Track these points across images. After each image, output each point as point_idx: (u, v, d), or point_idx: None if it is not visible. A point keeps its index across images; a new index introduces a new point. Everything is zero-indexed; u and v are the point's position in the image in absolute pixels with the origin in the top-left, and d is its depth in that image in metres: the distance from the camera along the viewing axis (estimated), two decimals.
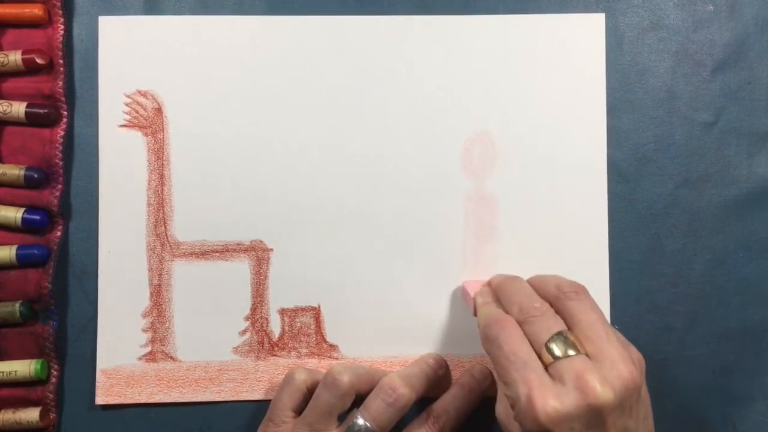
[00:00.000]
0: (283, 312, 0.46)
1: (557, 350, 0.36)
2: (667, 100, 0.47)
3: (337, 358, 0.46)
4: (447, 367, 0.46)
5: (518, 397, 0.35)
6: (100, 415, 0.45)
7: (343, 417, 0.42)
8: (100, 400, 0.45)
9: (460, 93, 0.46)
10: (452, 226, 0.46)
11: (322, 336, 0.46)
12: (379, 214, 0.46)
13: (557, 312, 0.38)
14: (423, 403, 0.44)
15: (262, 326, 0.46)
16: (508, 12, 0.47)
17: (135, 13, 0.46)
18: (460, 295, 0.46)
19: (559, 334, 0.36)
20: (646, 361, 0.46)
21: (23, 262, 0.44)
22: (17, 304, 0.44)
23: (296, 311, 0.46)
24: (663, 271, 0.47)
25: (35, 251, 0.44)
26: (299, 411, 0.43)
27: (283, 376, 0.44)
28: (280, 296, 0.46)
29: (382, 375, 0.43)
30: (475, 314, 0.42)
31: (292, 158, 0.46)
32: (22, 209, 0.44)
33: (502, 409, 0.38)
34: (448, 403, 0.44)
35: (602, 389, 0.34)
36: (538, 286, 0.40)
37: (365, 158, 0.46)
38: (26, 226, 0.44)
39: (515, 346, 0.36)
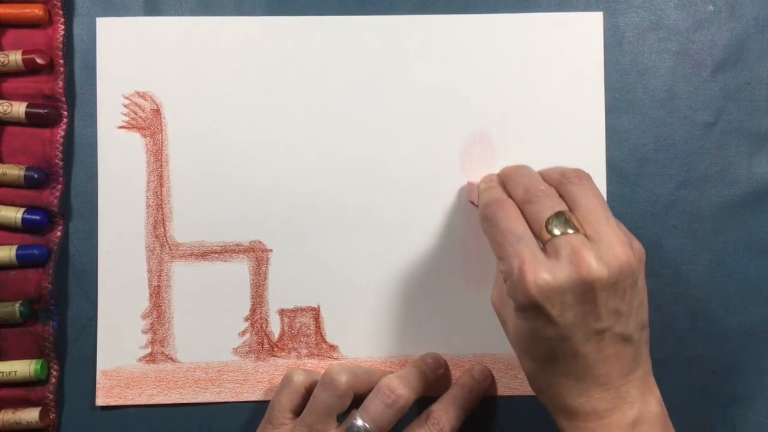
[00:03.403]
0: (282, 313, 0.46)
1: (556, 229, 0.36)
2: (667, 100, 0.47)
3: (336, 359, 0.46)
4: (446, 366, 0.46)
5: (511, 271, 0.36)
6: (100, 416, 0.45)
7: (342, 418, 0.42)
8: (100, 401, 0.45)
9: (459, 93, 0.46)
10: (452, 226, 0.46)
11: (322, 336, 0.46)
12: (378, 214, 0.46)
13: (561, 196, 0.38)
14: (422, 403, 0.44)
15: (261, 327, 0.46)
16: (508, 11, 0.47)
17: (135, 14, 0.46)
18: (465, 196, 0.46)
19: (560, 213, 0.36)
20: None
21: (23, 262, 0.44)
22: (17, 304, 0.44)
23: (296, 312, 0.46)
24: (663, 271, 0.47)
25: (35, 251, 0.44)
26: (298, 412, 0.43)
27: (282, 377, 0.44)
28: (279, 297, 0.46)
29: (380, 375, 0.43)
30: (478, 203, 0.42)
31: (291, 159, 0.46)
32: (22, 209, 0.44)
33: (496, 293, 0.39)
34: (447, 403, 0.44)
35: (597, 265, 0.35)
36: (544, 174, 0.40)
37: (365, 158, 0.46)
38: (26, 226, 0.44)
39: (511, 222, 0.37)
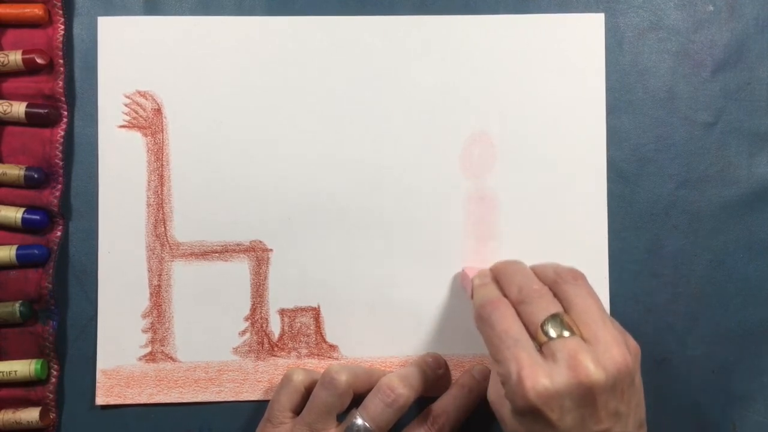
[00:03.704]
0: (282, 312, 0.46)
1: (552, 331, 0.36)
2: (667, 100, 0.47)
3: (336, 359, 0.46)
4: (446, 366, 0.46)
5: (509, 375, 0.35)
6: (100, 415, 0.45)
7: (341, 417, 0.42)
8: (100, 400, 0.45)
9: (459, 93, 0.46)
10: (452, 226, 0.46)
11: (322, 336, 0.46)
12: (378, 214, 0.46)
13: (555, 296, 0.38)
14: (422, 402, 0.44)
15: (261, 327, 0.46)
16: (508, 12, 0.47)
17: (135, 13, 0.46)
18: (459, 282, 0.46)
19: (555, 315, 0.37)
20: (646, 361, 0.46)
21: (23, 262, 0.44)
22: (17, 304, 0.44)
23: (296, 311, 0.46)
24: (663, 272, 0.47)
25: (35, 251, 0.44)
26: (297, 411, 0.43)
27: (282, 376, 0.44)
28: (279, 296, 0.46)
29: (380, 375, 0.43)
30: (472, 297, 0.42)
31: (291, 158, 0.46)
32: (22, 209, 0.44)
33: (493, 390, 0.39)
34: (447, 403, 0.44)
35: (595, 369, 0.35)
36: (537, 271, 0.40)
37: (365, 158, 0.46)
38: (26, 226, 0.44)
39: (507, 324, 0.37)
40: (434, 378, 0.44)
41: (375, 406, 0.41)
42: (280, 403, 0.42)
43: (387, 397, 0.41)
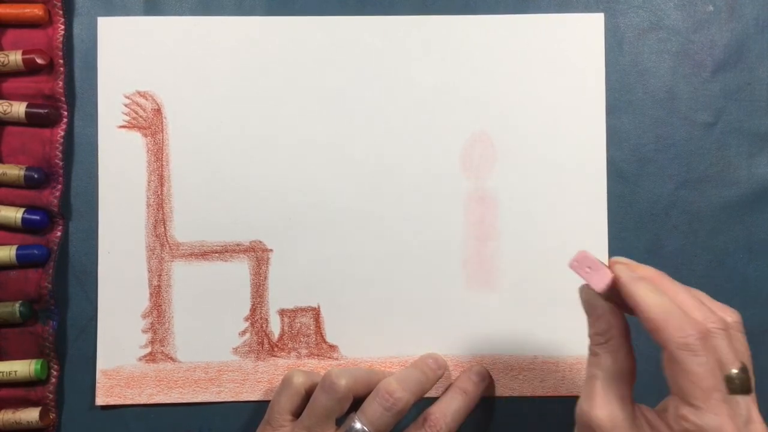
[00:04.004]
0: (282, 312, 0.46)
1: (741, 386, 0.32)
2: (667, 100, 0.47)
3: (336, 359, 0.46)
4: (447, 368, 0.46)
5: (705, 427, 0.31)
6: (100, 416, 0.45)
7: (341, 420, 0.42)
8: (100, 401, 0.45)
9: (460, 93, 0.46)
10: (452, 226, 0.46)
11: (322, 336, 0.46)
12: (379, 214, 0.46)
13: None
14: (422, 403, 0.44)
15: (261, 327, 0.46)
16: (508, 12, 0.47)
17: (135, 13, 0.46)
18: (574, 265, 0.37)
19: (745, 368, 0.33)
20: (646, 362, 0.46)
21: (23, 262, 0.44)
22: (17, 304, 0.44)
23: (296, 312, 0.46)
24: (663, 272, 0.47)
25: (35, 251, 0.44)
26: (297, 414, 0.42)
27: (282, 377, 0.44)
28: (279, 297, 0.46)
29: (380, 377, 0.43)
30: (605, 289, 0.36)
31: (291, 159, 0.46)
32: (22, 209, 0.44)
33: (608, 412, 0.34)
34: (444, 406, 0.44)
35: None
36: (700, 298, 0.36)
37: (365, 158, 0.46)
38: (26, 226, 0.44)
39: (713, 366, 0.32)
40: (434, 380, 0.44)
41: (374, 410, 0.41)
42: (279, 405, 0.42)
43: (386, 401, 0.41)
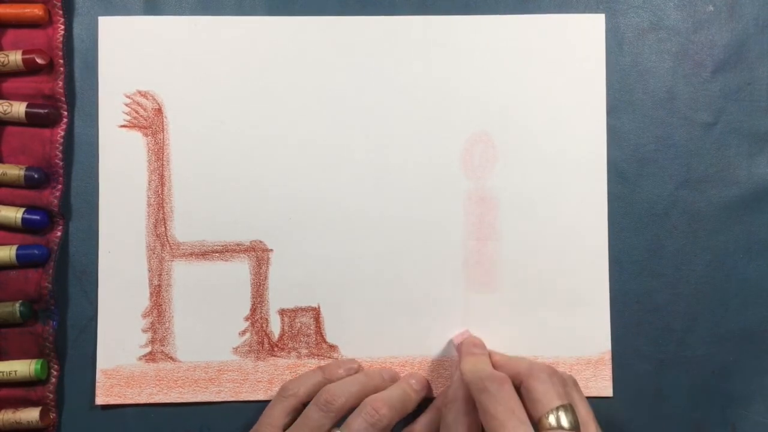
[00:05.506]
0: (282, 312, 0.46)
1: (565, 421, 0.37)
2: (667, 100, 0.47)
3: (336, 359, 0.46)
4: (429, 387, 0.46)
5: None
6: (100, 415, 0.45)
7: None
8: (100, 400, 0.45)
9: (460, 93, 0.46)
10: (452, 226, 0.46)
11: (322, 336, 0.46)
12: (379, 214, 0.46)
13: None
14: (422, 406, 0.44)
15: (261, 327, 0.46)
16: (508, 12, 0.47)
17: (135, 13, 0.46)
18: (454, 348, 0.46)
19: (568, 407, 0.38)
20: (646, 362, 0.47)
21: (23, 262, 0.44)
22: (17, 304, 0.44)
23: (296, 311, 0.46)
24: (663, 272, 0.47)
25: (35, 251, 0.44)
26: (287, 427, 0.42)
27: (282, 377, 0.44)
28: (279, 296, 0.46)
29: (372, 390, 0.43)
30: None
31: (291, 158, 0.46)
32: (22, 209, 0.44)
33: None
34: (423, 425, 0.44)
35: None
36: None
37: (365, 158, 0.46)
38: (26, 226, 0.44)
39: (515, 404, 0.38)
40: (417, 400, 0.45)
41: (358, 425, 0.41)
42: (272, 417, 0.42)
43: (371, 417, 0.41)
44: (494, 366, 0.42)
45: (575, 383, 0.41)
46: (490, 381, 0.39)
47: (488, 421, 0.38)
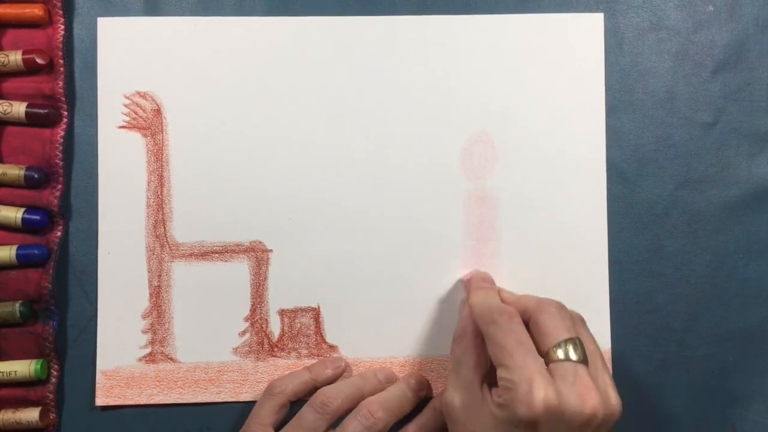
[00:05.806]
0: (282, 313, 0.46)
1: (573, 353, 0.37)
2: (667, 100, 0.47)
3: (323, 358, 0.46)
4: (429, 387, 0.46)
5: (518, 382, 0.36)
6: (100, 416, 0.45)
7: None
8: (100, 401, 0.45)
9: (460, 93, 0.46)
10: (452, 226, 0.46)
11: (322, 336, 0.46)
12: (379, 214, 0.46)
13: None
14: (421, 407, 0.44)
15: (261, 327, 0.46)
16: (508, 12, 0.47)
17: (135, 13, 0.46)
18: (463, 285, 0.46)
19: (576, 339, 0.37)
20: (646, 362, 0.47)
21: (23, 262, 0.44)
22: (17, 304, 0.44)
23: (296, 312, 0.46)
24: (663, 272, 0.47)
25: (35, 251, 0.44)
26: (278, 426, 0.42)
27: (267, 386, 0.44)
28: (279, 297, 0.46)
29: (369, 393, 0.43)
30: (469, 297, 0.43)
31: (291, 159, 0.46)
32: (22, 209, 0.44)
33: (458, 396, 0.39)
34: (417, 426, 0.44)
35: (601, 407, 0.36)
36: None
37: (365, 158, 0.46)
38: (26, 226, 0.44)
39: (523, 335, 0.38)
40: (416, 401, 0.44)
41: (353, 429, 0.41)
42: (260, 417, 0.42)
43: (366, 420, 0.42)
44: (503, 302, 0.42)
45: (583, 321, 0.40)
46: (499, 313, 0.39)
47: (496, 352, 0.37)
